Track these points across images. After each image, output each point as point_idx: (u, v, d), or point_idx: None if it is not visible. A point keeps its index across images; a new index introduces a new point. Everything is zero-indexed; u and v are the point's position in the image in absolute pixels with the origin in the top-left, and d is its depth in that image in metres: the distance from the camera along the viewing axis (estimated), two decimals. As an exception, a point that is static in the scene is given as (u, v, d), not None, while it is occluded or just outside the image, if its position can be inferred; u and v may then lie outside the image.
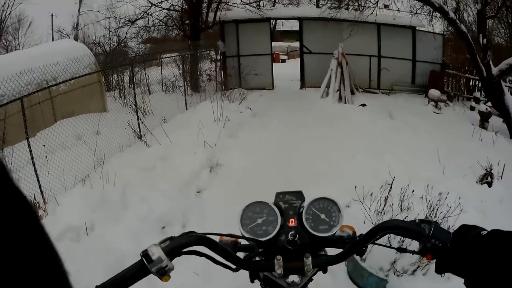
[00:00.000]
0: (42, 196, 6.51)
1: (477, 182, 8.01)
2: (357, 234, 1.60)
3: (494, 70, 12.94)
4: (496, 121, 13.52)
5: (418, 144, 10.14)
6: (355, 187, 5.75)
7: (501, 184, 7.82)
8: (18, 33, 35.49)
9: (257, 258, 1.60)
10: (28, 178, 6.62)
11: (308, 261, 1.46)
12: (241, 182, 7.91)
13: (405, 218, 4.87)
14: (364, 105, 15.31)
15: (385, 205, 5.50)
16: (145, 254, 1.23)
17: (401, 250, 1.54)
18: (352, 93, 16.99)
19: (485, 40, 13.07)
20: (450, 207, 5.13)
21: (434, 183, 5.98)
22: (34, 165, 6.70)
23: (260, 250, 1.60)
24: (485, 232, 1.16)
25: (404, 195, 5.52)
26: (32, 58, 10.16)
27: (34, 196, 6.24)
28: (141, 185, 7.12)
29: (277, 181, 7.52)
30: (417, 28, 19.06)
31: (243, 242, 1.63)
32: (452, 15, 13.56)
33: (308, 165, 8.82)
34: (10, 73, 8.61)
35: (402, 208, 5.45)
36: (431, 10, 15.35)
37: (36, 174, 6.65)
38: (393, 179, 6.04)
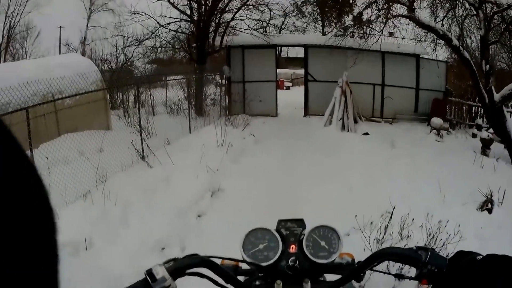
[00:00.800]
0: None
1: (477, 209, 8.00)
2: (356, 261, 1.64)
3: (496, 96, 12.94)
4: (497, 147, 13.57)
5: (419, 173, 10.11)
6: (356, 215, 5.76)
7: (501, 210, 7.82)
8: (26, 42, 35.75)
9: (257, 283, 1.63)
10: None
11: (307, 286, 1.50)
12: (242, 208, 7.88)
13: (404, 246, 4.89)
14: (367, 134, 15.35)
15: (385, 233, 5.56)
16: (150, 273, 1.27)
17: (398, 276, 1.61)
18: (355, 121, 17.03)
19: (487, 66, 13.08)
20: (450, 234, 5.21)
21: (434, 212, 6.07)
22: None
23: (260, 274, 1.62)
24: (480, 257, 1.18)
25: (404, 224, 5.58)
26: (39, 69, 10.25)
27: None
28: (141, 205, 7.13)
29: (278, 208, 7.46)
30: (421, 56, 19.19)
31: (244, 266, 1.66)
32: (455, 42, 13.66)
33: (309, 192, 8.83)
34: (17, 82, 8.66)
35: (402, 236, 5.52)
36: (435, 37, 15.38)
37: None
38: (394, 208, 6.09)
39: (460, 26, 15.07)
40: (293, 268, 1.54)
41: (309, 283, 1.51)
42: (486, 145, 13.39)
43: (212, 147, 11.22)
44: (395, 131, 16.65)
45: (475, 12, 13.64)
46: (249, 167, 10.75)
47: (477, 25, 14.45)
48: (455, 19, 14.92)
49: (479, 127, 16.79)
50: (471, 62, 13.65)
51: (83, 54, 26.24)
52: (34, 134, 7.55)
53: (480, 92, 13.34)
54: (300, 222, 1.75)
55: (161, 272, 1.26)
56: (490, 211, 7.88)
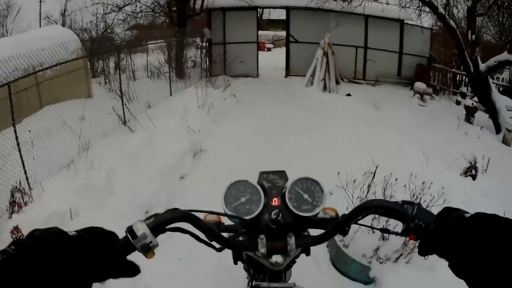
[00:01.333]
0: (28, 182, 6.51)
1: (461, 175, 8.09)
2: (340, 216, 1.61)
3: (482, 66, 13.12)
4: (481, 116, 13.69)
5: (402, 135, 10.22)
6: (338, 173, 5.76)
7: (485, 178, 7.93)
8: (7, 20, 35.11)
9: (241, 238, 1.61)
10: (14, 164, 6.64)
11: (291, 240, 1.48)
12: (225, 168, 7.93)
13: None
14: (349, 95, 15.43)
15: (368, 192, 5.53)
16: (130, 230, 1.21)
17: (384, 230, 1.55)
18: (337, 82, 17.06)
19: (474, 36, 13.19)
20: (434, 196, 5.16)
21: (418, 173, 5.99)
22: (20, 151, 6.68)
23: (243, 230, 1.61)
24: (469, 214, 1.15)
25: (387, 183, 5.54)
26: (19, 44, 10.12)
27: (20, 182, 6.21)
28: (125, 170, 7.16)
29: (260, 166, 7.50)
30: (405, 22, 19.23)
31: (227, 222, 1.64)
32: (441, 10, 13.70)
33: (290, 152, 8.94)
34: (-3, 59, 8.62)
35: (385, 196, 5.43)
36: (420, 4, 15.39)
37: (22, 160, 6.63)
38: (376, 167, 6.07)
39: None
40: (276, 221, 1.51)
41: (293, 237, 1.49)
42: (470, 113, 13.56)
43: (193, 108, 11.24)
44: (378, 93, 16.78)
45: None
46: (231, 127, 10.85)
47: None
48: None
49: (463, 95, 17.05)
50: (457, 31, 13.77)
51: (63, 25, 25.84)
52: (17, 109, 7.50)
53: (465, 61, 13.55)
54: (282, 174, 1.74)
55: (141, 229, 1.22)
56: (474, 177, 8.00)
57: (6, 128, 7.32)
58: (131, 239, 1.19)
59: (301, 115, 12.16)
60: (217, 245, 1.49)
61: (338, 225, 1.50)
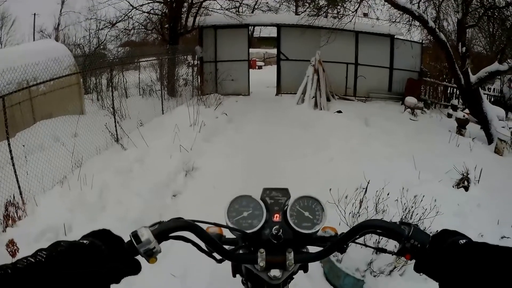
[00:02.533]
0: (21, 197, 6.54)
1: (453, 186, 8.14)
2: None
3: (473, 78, 13.21)
4: (473, 127, 13.78)
5: (394, 150, 10.24)
6: (330, 189, 5.69)
7: (478, 188, 7.99)
8: (1, 32, 35.05)
9: (241, 251, 1.64)
10: (7, 178, 6.65)
11: (290, 256, 1.50)
12: (216, 186, 8.01)
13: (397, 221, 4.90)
14: (340, 111, 15.45)
15: (360, 207, 5.54)
16: (135, 234, 1.26)
17: (380, 250, 1.58)
18: (328, 100, 17.17)
19: (464, 48, 13.30)
20: (426, 209, 5.19)
21: (410, 187, 6.06)
22: (13, 165, 6.72)
23: (244, 243, 1.63)
24: (463, 241, 1.18)
25: (379, 198, 5.56)
26: (14, 57, 10.15)
27: (14, 197, 6.26)
28: (117, 187, 7.19)
29: (252, 185, 7.53)
30: (395, 37, 19.38)
31: (228, 235, 1.68)
32: (431, 24, 13.78)
33: (282, 169, 8.98)
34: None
35: (377, 210, 5.50)
36: (410, 19, 15.43)
37: (16, 175, 6.67)
38: (368, 182, 6.13)
39: (437, 8, 15.23)
40: (277, 236, 1.53)
41: (292, 252, 1.52)
42: (461, 125, 13.60)
43: (185, 127, 11.27)
44: (369, 109, 16.76)
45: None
46: (222, 145, 10.88)
47: (454, 8, 14.55)
48: (432, 1, 15.08)
49: (455, 107, 17.17)
50: (447, 44, 13.86)
51: (56, 39, 25.89)
52: (11, 123, 7.52)
53: (456, 74, 13.57)
54: (285, 192, 1.76)
55: (146, 234, 1.27)
56: (466, 188, 8.04)
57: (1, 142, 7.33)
58: (135, 243, 1.25)
59: (292, 132, 12.20)
60: (218, 257, 1.52)
61: (336, 243, 1.54)
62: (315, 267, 5.32)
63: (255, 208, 1.65)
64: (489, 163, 9.46)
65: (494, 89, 20.61)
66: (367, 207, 5.56)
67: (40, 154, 8.12)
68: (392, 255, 1.47)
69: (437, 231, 1.30)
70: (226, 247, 1.60)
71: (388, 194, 5.60)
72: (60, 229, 5.69)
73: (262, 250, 1.51)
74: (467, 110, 14.33)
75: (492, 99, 18.73)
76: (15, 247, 4.94)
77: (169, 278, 4.95)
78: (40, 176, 7.29)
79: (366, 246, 1.74)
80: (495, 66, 12.96)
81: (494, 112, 13.15)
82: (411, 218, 5.24)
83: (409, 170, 8.63)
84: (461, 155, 9.98)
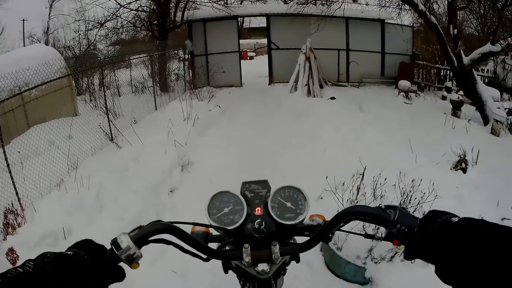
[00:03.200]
0: (20, 203, 6.54)
1: (451, 169, 8.15)
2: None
3: (466, 59, 13.22)
4: (468, 109, 13.77)
5: (389, 135, 10.21)
6: (326, 177, 5.78)
7: (476, 170, 7.99)
8: (-9, 40, 34.87)
9: (227, 248, 1.61)
10: (4, 185, 6.63)
11: (276, 249, 1.47)
12: (213, 179, 8.02)
13: (378, 205, 4.85)
14: (333, 98, 15.38)
15: (357, 194, 5.53)
16: (114, 242, 1.26)
17: (367, 236, 1.54)
18: (321, 87, 17.13)
19: (455, 30, 13.29)
20: (424, 193, 5.18)
21: (407, 172, 6.03)
22: (10, 172, 6.70)
23: (230, 240, 1.61)
24: (456, 219, 1.13)
25: (376, 184, 5.56)
26: (4, 64, 10.12)
27: (12, 204, 6.27)
28: (114, 187, 7.20)
29: (249, 176, 7.47)
30: (386, 21, 19.32)
31: (215, 233, 1.65)
32: (421, 7, 13.73)
33: (278, 159, 8.98)
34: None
35: (376, 196, 5.51)
36: (400, 2, 15.45)
37: (13, 182, 6.66)
38: (365, 168, 6.10)
39: None
40: (259, 230, 1.53)
41: (277, 245, 1.48)
42: (456, 107, 13.60)
43: (179, 121, 11.30)
44: (362, 95, 16.75)
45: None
46: (217, 138, 10.84)
47: None
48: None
49: (449, 90, 17.15)
50: (438, 26, 13.81)
51: (46, 43, 25.83)
52: (5, 130, 7.48)
53: (449, 56, 13.57)
54: (265, 184, 1.73)
55: (125, 241, 1.26)
56: (464, 170, 8.06)
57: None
58: (115, 251, 1.25)
59: (286, 122, 12.19)
60: (203, 256, 1.51)
61: (321, 233, 1.51)
62: (315, 256, 5.33)
63: (236, 203, 1.63)
64: (486, 144, 9.47)
65: (487, 70, 20.64)
66: (365, 193, 5.53)
67: (35, 159, 8.09)
68: (380, 240, 1.43)
69: (424, 212, 1.27)
70: (214, 244, 1.64)
71: (385, 179, 5.59)
72: (60, 233, 5.70)
73: (246, 245, 1.50)
74: (461, 92, 14.28)
75: (486, 80, 18.75)
76: (15, 255, 4.96)
77: (170, 274, 4.94)
78: (37, 181, 7.28)
79: (352, 233, 1.69)
80: (487, 47, 12.97)
81: (488, 93, 13.14)
82: (409, 203, 5.23)
83: (405, 155, 8.62)
84: (457, 137, 9.99)
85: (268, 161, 8.91)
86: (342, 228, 1.53)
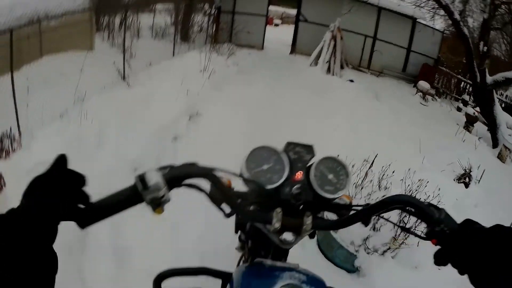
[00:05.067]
0: (19, 130, 6.38)
1: (454, 180, 8.04)
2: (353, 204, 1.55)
3: (489, 79, 13.14)
4: (480, 127, 13.82)
5: (401, 130, 10.12)
6: (338, 156, 5.63)
7: (478, 188, 7.87)
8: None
9: (252, 208, 1.52)
10: (8, 111, 6.49)
11: (308, 220, 1.35)
12: (220, 133, 7.84)
13: (383, 197, 4.81)
14: (352, 81, 15.19)
15: (364, 179, 5.47)
16: (142, 178, 1.08)
17: (405, 230, 1.46)
18: (341, 67, 16.96)
19: (485, 48, 13.23)
20: (429, 196, 5.06)
21: (413, 170, 5.95)
22: (14, 97, 6.56)
23: (257, 200, 1.51)
24: (487, 227, 1.11)
25: (383, 174, 5.47)
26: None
27: (10, 129, 6.09)
28: (118, 125, 7.06)
29: (256, 138, 7.14)
30: (417, 20, 19.26)
31: (237, 188, 1.54)
32: (457, 16, 13.76)
33: (288, 127, 8.72)
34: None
35: (380, 186, 5.39)
36: (436, 6, 15.49)
37: (16, 107, 6.50)
38: (376, 156, 6.07)
39: (464, 3, 15.52)
40: (297, 197, 1.42)
41: (311, 217, 1.36)
42: (470, 121, 13.60)
43: (195, 72, 11.10)
44: (381, 85, 16.67)
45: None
46: (230, 95, 10.59)
47: (481, 7, 14.61)
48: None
49: (465, 103, 17.23)
50: (469, 39, 13.72)
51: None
52: (17, 56, 7.32)
53: (473, 70, 13.52)
54: (310, 149, 1.61)
55: (155, 178, 1.08)
56: (467, 185, 7.96)
57: (4, 74, 7.11)
58: (141, 189, 1.07)
59: (302, 93, 11.96)
60: (227, 210, 1.32)
61: (361, 214, 1.38)
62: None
63: (277, 162, 1.49)
64: (491, 166, 9.43)
65: (506, 95, 20.70)
66: (372, 180, 5.44)
67: (43, 88, 7.96)
68: (418, 237, 1.32)
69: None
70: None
71: (393, 172, 5.50)
72: (54, 165, 5.51)
73: (278, 209, 1.34)
74: (477, 108, 14.25)
75: (503, 105, 18.69)
76: (2, 181, 4.77)
77: (159, 220, 4.66)
78: (41, 110, 7.06)
79: (391, 222, 1.63)
80: None
81: (503, 117, 13.14)
82: None
83: (414, 153, 8.59)
84: (465, 150, 9.95)
85: (278, 128, 8.56)
86: (383, 215, 1.43)
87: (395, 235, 4.59)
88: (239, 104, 9.84)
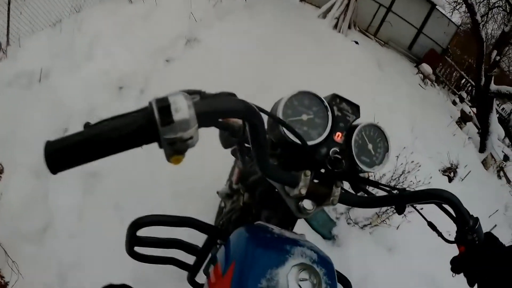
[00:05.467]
0: (7, 38, 5.96)
1: (439, 171, 8.14)
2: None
3: (493, 87, 13.39)
4: (471, 128, 14.27)
5: (396, 103, 10.07)
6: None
7: (460, 186, 7.97)
8: None
9: (276, 162, 1.33)
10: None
11: (337, 191, 1.22)
12: (216, 62, 7.64)
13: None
14: (356, 42, 15.04)
15: None
16: (164, 105, 0.72)
17: (435, 230, 1.33)
18: (349, 27, 16.66)
19: (498, 57, 13.53)
20: (419, 181, 5.05)
21: (403, 150, 5.75)
22: (9, 3, 6.05)
23: (282, 153, 1.31)
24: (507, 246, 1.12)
25: None
26: None
27: (-1, 35, 5.74)
28: (112, 40, 6.78)
29: (251, 78, 7.39)
30: (436, 7, 19.34)
31: None
32: (478, 17, 13.92)
33: (287, 73, 8.61)
34: None
35: None
36: (460, 1, 16.22)
37: (8, 13, 6.03)
38: (374, 120, 5.90)
39: (488, 9, 16.24)
40: (335, 162, 1.23)
41: (340, 188, 1.23)
42: (464, 118, 14.16)
43: (202, -2, 10.78)
44: (384, 55, 16.71)
45: (508, 9, 14.66)
46: (233, 28, 10.20)
47: (504, 19, 15.56)
48: (486, 1, 16.01)
49: (462, 99, 18.04)
50: (484, 43, 13.92)
51: None
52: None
53: (480, 73, 13.76)
54: (356, 109, 1.42)
55: (184, 109, 0.72)
56: (450, 179, 8.13)
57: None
58: (160, 122, 0.72)
59: (306, 40, 11.79)
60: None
61: (397, 199, 1.26)
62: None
63: (318, 115, 1.31)
64: (475, 170, 9.67)
65: (503, 108, 21.35)
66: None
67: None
68: (448, 242, 1.25)
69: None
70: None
71: None
72: (36, 75, 5.30)
73: (308, 172, 1.18)
74: (474, 109, 14.80)
75: (498, 116, 18.89)
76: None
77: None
78: (34, 16, 6.65)
79: (423, 217, 1.39)
80: None
81: (496, 128, 13.43)
82: (398, 179, 5.04)
83: (405, 131, 8.57)
84: (454, 145, 10.17)
85: (276, 71, 8.51)
86: (418, 208, 1.37)
87: (379, 211, 4.58)
88: (240, 38, 9.56)
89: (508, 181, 12.28)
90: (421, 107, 11.42)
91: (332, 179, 1.23)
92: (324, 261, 1.18)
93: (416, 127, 8.84)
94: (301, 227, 4.47)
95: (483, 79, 13.44)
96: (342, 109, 1.36)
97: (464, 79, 19.74)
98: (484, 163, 11.80)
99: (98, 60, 6.16)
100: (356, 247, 4.36)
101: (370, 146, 1.35)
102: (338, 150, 1.26)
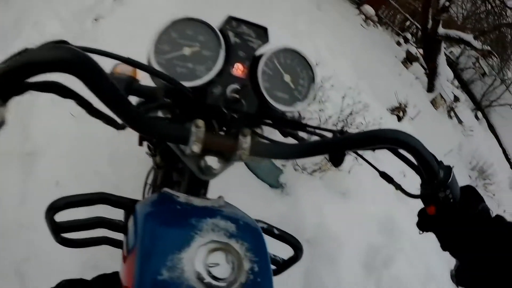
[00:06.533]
0: None
1: (387, 110, 8.09)
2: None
3: (442, 30, 13.33)
4: (417, 68, 14.20)
5: (340, 45, 9.75)
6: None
7: (410, 125, 7.91)
8: None
9: (160, 114, 1.08)
10: None
11: (246, 142, 0.90)
12: (149, 18, 7.25)
13: (319, 110, 4.52)
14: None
15: None
16: None
17: (396, 186, 1.01)
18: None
19: (447, 3, 13.25)
20: (369, 122, 4.79)
21: (350, 90, 5.52)
22: None
23: (168, 102, 1.02)
24: (491, 212, 0.91)
25: (321, 86, 4.97)
26: None
27: None
28: (39, 9, 6.13)
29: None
30: None
31: (145, 81, 1.04)
32: None
33: (218, 19, 8.29)
34: None
35: (315, 98, 5.03)
36: None
37: None
38: (316, 64, 5.78)
39: None
40: (232, 103, 0.98)
41: (249, 137, 0.90)
42: (410, 59, 13.93)
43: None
44: (323, -4, 16.42)
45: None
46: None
47: None
48: None
49: (406, 40, 17.93)
50: None
51: None
52: None
53: (427, 16, 13.66)
54: (261, 32, 1.11)
55: None
56: (400, 119, 8.12)
57: None
58: None
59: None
60: (119, 120, 0.80)
61: (332, 145, 0.94)
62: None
63: (207, 45, 1.01)
64: (425, 109, 9.78)
65: (451, 51, 21.30)
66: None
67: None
68: (412, 197, 0.94)
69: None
70: (136, 100, 1.05)
71: (332, 85, 5.08)
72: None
73: (199, 122, 0.86)
74: (420, 50, 14.62)
75: (446, 58, 19.15)
76: None
77: (67, 118, 3.93)
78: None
79: (374, 168, 1.08)
80: (469, 37, 13.55)
81: (445, 70, 13.49)
82: (346, 121, 4.67)
83: (349, 71, 8.24)
84: (401, 85, 10.05)
85: (209, 14, 8.09)
86: (363, 155, 1.09)
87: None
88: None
89: (459, 121, 12.60)
90: (363, 47, 11.22)
91: (235, 126, 0.98)
92: (247, 231, 0.93)
93: (360, 67, 8.64)
94: (246, 177, 4.28)
95: (430, 22, 13.51)
96: (241, 34, 1.08)
97: (408, 21, 19.87)
98: (434, 102, 11.98)
99: (26, 32, 5.59)
100: (307, 194, 4.15)
101: (287, 78, 1.06)
102: (238, 88, 0.99)
